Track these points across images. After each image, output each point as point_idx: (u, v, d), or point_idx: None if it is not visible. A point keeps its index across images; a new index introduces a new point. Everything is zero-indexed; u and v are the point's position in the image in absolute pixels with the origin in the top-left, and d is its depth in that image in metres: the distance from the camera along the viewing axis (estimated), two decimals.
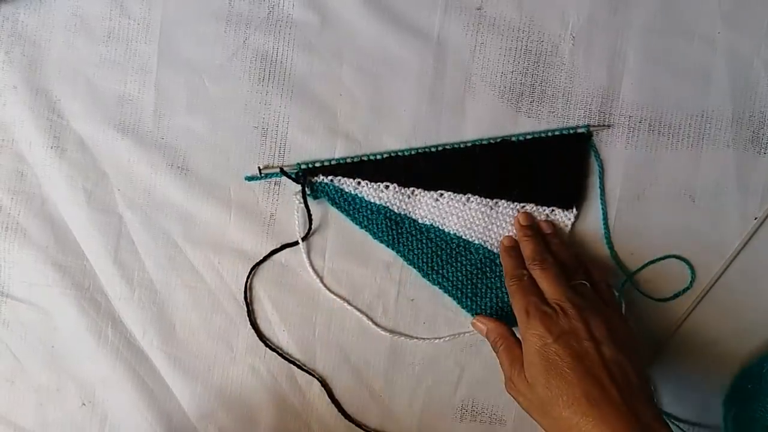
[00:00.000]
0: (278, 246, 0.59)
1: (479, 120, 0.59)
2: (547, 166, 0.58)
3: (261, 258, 0.60)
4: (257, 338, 0.60)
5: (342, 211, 0.59)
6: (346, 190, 0.59)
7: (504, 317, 0.58)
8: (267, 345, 0.60)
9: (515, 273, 0.55)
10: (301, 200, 0.58)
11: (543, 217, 0.58)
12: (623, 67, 0.58)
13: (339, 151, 0.59)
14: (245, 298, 0.60)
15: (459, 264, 0.59)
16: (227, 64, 0.59)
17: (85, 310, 0.60)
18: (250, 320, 0.60)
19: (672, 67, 0.58)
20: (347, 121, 0.59)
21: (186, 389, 0.61)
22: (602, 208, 0.59)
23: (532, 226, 0.58)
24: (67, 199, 0.60)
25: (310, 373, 0.60)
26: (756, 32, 0.57)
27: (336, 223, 0.60)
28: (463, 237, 0.59)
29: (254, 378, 0.61)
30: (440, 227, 0.59)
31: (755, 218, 0.58)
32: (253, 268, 0.60)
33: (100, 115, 0.60)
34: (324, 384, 0.60)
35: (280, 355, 0.60)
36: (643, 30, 0.58)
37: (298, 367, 0.60)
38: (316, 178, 0.59)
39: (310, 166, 0.59)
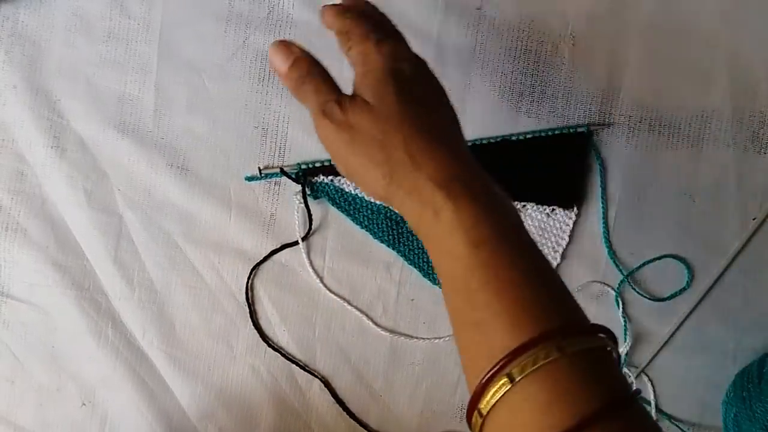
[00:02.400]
0: (278, 246, 0.59)
1: (479, 120, 0.59)
2: (548, 165, 0.58)
3: (261, 258, 0.60)
4: (257, 338, 0.60)
5: (342, 211, 0.59)
6: (347, 190, 0.59)
7: None
8: (270, 345, 0.60)
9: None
10: (301, 200, 0.58)
11: (544, 217, 0.58)
12: (623, 67, 0.58)
13: None
14: (247, 299, 0.60)
15: None
16: (227, 64, 0.59)
17: (86, 310, 0.60)
18: (252, 321, 0.60)
19: (672, 67, 0.58)
20: None
21: (186, 389, 0.61)
22: (602, 208, 0.59)
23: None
24: (67, 199, 0.60)
25: (312, 374, 0.60)
26: (756, 32, 0.57)
27: (336, 223, 0.60)
28: None
29: (254, 378, 0.61)
30: None
31: (753, 218, 0.58)
32: (253, 269, 0.60)
33: (100, 115, 0.60)
34: (327, 384, 0.60)
35: (284, 355, 0.60)
36: (643, 30, 0.58)
37: (301, 367, 0.60)
38: (316, 178, 0.59)
39: (311, 166, 0.59)
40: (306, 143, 0.59)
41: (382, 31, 0.43)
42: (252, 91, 0.59)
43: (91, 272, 0.61)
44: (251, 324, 0.60)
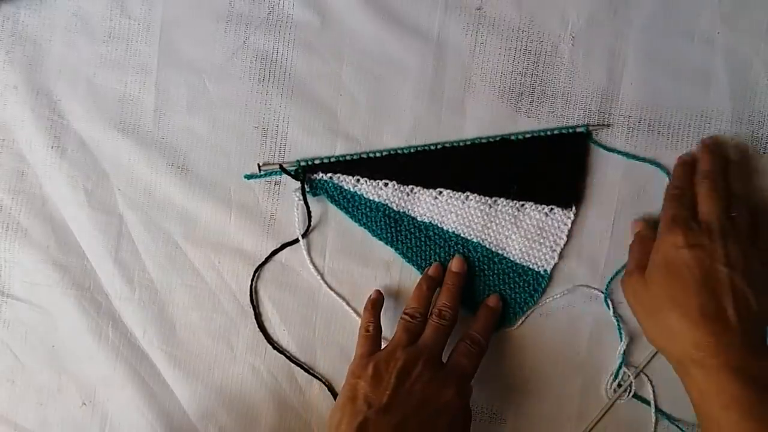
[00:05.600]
0: (278, 246, 0.60)
1: (479, 120, 0.59)
2: (547, 165, 0.58)
3: (263, 260, 0.60)
4: (258, 338, 0.60)
5: (341, 209, 0.59)
6: (346, 188, 0.59)
7: (503, 315, 0.59)
8: (275, 348, 0.60)
9: (680, 184, 0.54)
10: (301, 197, 0.58)
11: (542, 216, 0.58)
12: (623, 67, 0.58)
13: (339, 151, 0.59)
14: (251, 301, 0.60)
15: None
16: (227, 64, 0.59)
17: (86, 310, 0.61)
18: (258, 323, 0.60)
19: (672, 67, 0.58)
20: (347, 121, 0.59)
21: (186, 389, 0.61)
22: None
23: (717, 144, 0.56)
24: (67, 199, 0.60)
25: (314, 376, 0.60)
26: (756, 32, 0.57)
27: (336, 222, 0.60)
28: (462, 235, 0.59)
29: (254, 378, 0.61)
30: (439, 225, 0.59)
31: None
32: (256, 271, 0.60)
33: (101, 115, 0.60)
34: (330, 387, 0.60)
35: (288, 357, 0.60)
36: (643, 30, 0.58)
37: (305, 369, 0.60)
38: (315, 175, 0.59)
39: (310, 163, 0.59)
40: (306, 143, 0.59)
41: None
42: (252, 91, 0.59)
43: (91, 272, 0.61)
44: (255, 326, 0.60)
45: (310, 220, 0.59)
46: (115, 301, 0.61)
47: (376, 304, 0.57)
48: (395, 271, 0.60)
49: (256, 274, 0.60)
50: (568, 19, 0.58)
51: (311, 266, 0.60)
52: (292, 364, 0.60)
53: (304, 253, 0.59)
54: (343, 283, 0.60)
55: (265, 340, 0.60)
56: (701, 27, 0.57)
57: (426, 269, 0.58)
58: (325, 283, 0.60)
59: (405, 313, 0.56)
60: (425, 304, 0.56)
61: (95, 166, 0.60)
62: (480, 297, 0.59)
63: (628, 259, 0.55)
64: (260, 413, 0.61)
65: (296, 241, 0.59)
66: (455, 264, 0.58)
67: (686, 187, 0.54)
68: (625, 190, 0.58)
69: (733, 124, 0.58)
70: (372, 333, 0.55)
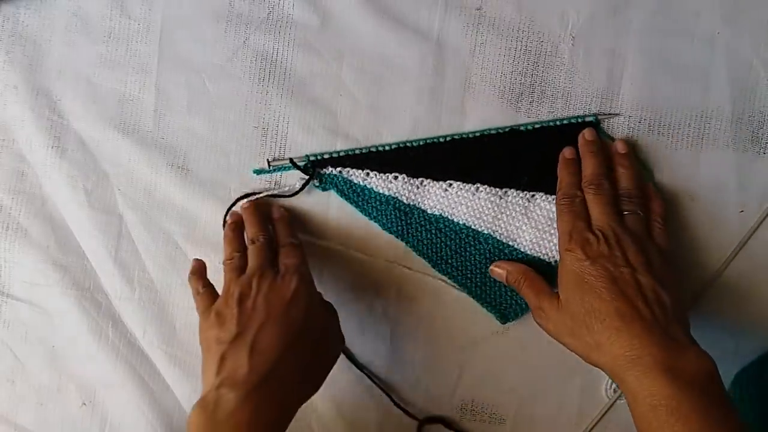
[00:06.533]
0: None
1: (479, 120, 0.59)
2: (556, 154, 0.58)
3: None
4: None
5: (351, 202, 0.59)
6: (355, 182, 0.59)
7: (512, 307, 0.59)
8: None
9: (568, 192, 0.55)
10: (303, 184, 0.58)
11: (553, 207, 0.57)
12: (623, 67, 0.58)
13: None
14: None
15: (467, 254, 0.59)
16: (227, 64, 0.59)
17: (86, 310, 0.61)
18: None
19: (672, 67, 0.58)
20: (347, 121, 0.59)
21: (186, 389, 0.61)
22: None
23: (596, 143, 0.57)
24: (67, 199, 0.60)
25: None
26: (756, 32, 0.57)
27: (336, 222, 0.60)
28: (472, 227, 0.59)
29: None
30: (449, 217, 0.59)
31: (741, 211, 0.58)
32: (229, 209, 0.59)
33: (101, 115, 0.60)
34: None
35: None
36: (643, 30, 0.58)
37: None
38: (324, 169, 0.59)
39: (319, 157, 0.59)
40: (306, 143, 0.59)
41: None
42: (252, 91, 0.59)
43: (91, 272, 0.61)
44: None
45: (299, 191, 0.59)
46: (115, 301, 0.61)
47: (196, 271, 0.57)
48: (395, 272, 0.60)
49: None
50: (568, 19, 0.58)
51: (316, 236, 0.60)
52: None
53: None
54: (344, 283, 0.60)
55: None
56: (701, 27, 0.57)
57: (562, 153, 0.57)
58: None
59: (563, 195, 0.55)
60: (238, 244, 0.57)
61: (95, 166, 0.60)
62: (491, 288, 0.59)
63: (527, 296, 0.55)
64: None
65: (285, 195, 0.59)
66: (587, 133, 0.57)
67: (574, 194, 0.55)
68: None
69: (733, 124, 0.58)
70: (203, 291, 0.55)
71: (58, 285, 0.61)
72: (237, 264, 0.55)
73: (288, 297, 0.52)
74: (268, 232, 0.57)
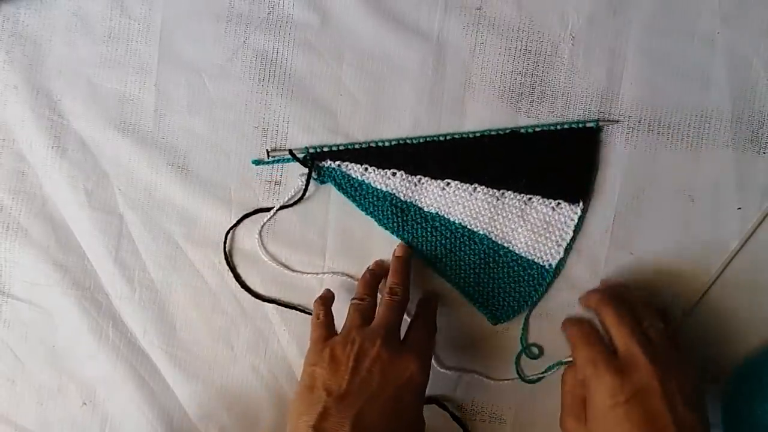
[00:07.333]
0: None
1: (479, 120, 0.59)
2: (555, 159, 0.58)
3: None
4: (257, 338, 0.60)
5: (348, 197, 0.59)
6: (353, 176, 0.59)
7: (504, 308, 0.59)
8: (261, 298, 0.60)
9: (576, 317, 0.54)
10: (305, 181, 0.58)
11: (549, 210, 0.58)
12: (623, 67, 0.58)
13: None
14: (226, 260, 0.60)
15: (462, 253, 0.59)
16: (227, 64, 0.59)
17: (86, 310, 0.61)
18: (239, 283, 0.60)
19: (672, 67, 0.58)
20: (347, 121, 0.59)
21: (187, 389, 0.61)
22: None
23: (614, 289, 0.55)
24: (67, 199, 0.60)
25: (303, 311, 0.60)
26: (756, 32, 0.57)
27: (335, 222, 0.60)
28: (468, 227, 0.59)
29: (255, 377, 0.61)
30: (445, 216, 0.59)
31: (738, 208, 0.58)
32: (227, 233, 0.60)
33: (101, 115, 0.60)
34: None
35: (278, 302, 0.60)
36: (643, 30, 0.58)
37: (293, 307, 0.60)
38: (323, 162, 0.59)
39: (318, 150, 0.59)
40: (306, 143, 0.59)
41: None
42: (252, 91, 0.59)
43: (91, 272, 0.61)
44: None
45: (303, 194, 0.59)
46: (115, 301, 0.61)
47: (324, 299, 0.57)
48: None
49: (229, 236, 0.60)
50: (568, 19, 0.58)
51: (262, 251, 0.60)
52: (292, 365, 0.60)
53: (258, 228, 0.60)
54: (343, 284, 0.60)
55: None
56: (701, 27, 0.57)
57: (368, 266, 0.58)
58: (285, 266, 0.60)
59: (354, 299, 0.55)
60: (371, 288, 0.56)
61: (95, 166, 0.60)
62: (484, 288, 0.59)
63: (564, 399, 0.53)
64: (260, 413, 0.61)
65: (270, 209, 0.59)
66: (398, 250, 0.58)
67: (581, 319, 0.54)
68: (624, 190, 0.58)
69: (733, 124, 0.58)
70: (323, 320, 0.55)
71: (59, 285, 0.61)
72: (366, 307, 0.54)
73: (403, 379, 0.50)
74: (408, 290, 0.56)
